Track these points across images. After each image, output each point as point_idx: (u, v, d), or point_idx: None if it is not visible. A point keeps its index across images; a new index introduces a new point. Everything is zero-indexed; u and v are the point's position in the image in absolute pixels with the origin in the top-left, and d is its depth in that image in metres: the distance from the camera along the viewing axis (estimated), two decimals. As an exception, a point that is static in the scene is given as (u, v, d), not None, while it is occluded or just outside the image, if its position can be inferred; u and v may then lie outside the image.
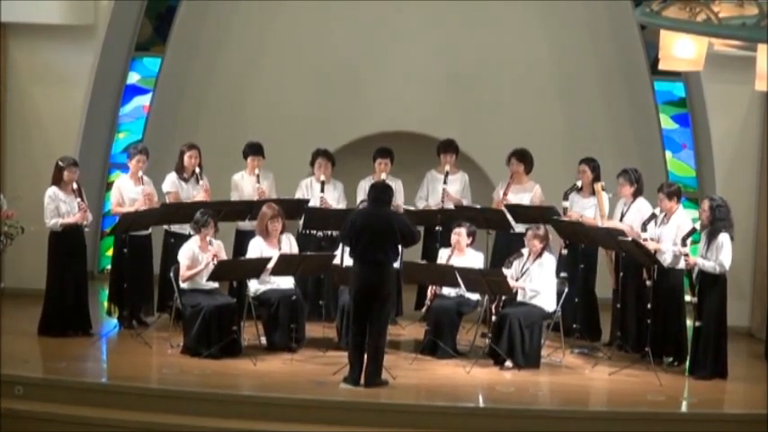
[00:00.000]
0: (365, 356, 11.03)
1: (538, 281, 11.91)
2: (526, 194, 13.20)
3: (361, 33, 15.08)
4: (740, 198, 13.34)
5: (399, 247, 11.24)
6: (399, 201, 13.42)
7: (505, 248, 12.75)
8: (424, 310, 12.49)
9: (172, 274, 12.07)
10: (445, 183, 13.48)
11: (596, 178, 12.82)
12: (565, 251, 12.49)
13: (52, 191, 12.26)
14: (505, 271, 12.04)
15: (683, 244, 11.57)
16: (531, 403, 11.00)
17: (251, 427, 10.51)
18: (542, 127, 14.98)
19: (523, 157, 13.26)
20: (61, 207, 12.23)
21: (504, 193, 13.19)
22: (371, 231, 10.95)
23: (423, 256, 13.31)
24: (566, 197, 12.86)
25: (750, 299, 13.69)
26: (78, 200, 12.24)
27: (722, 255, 11.44)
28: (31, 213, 12.91)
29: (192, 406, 10.75)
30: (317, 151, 13.43)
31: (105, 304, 13.01)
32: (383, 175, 13.32)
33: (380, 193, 11.17)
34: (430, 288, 12.34)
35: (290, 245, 12.28)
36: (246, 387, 11.14)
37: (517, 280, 11.95)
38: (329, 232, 13.12)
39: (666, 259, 11.84)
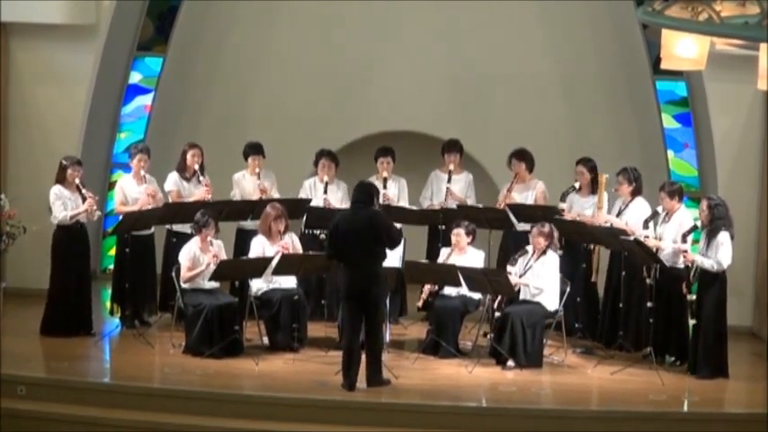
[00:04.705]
0: (360, 359, 11.01)
1: (541, 279, 11.92)
2: (530, 192, 13.22)
3: (364, 33, 15.07)
4: (742, 197, 13.35)
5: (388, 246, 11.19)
6: (404, 200, 13.44)
7: (513, 247, 12.73)
8: (419, 304, 12.48)
9: (174, 274, 12.08)
10: (449, 182, 13.49)
11: (596, 177, 12.83)
12: (560, 252, 12.47)
13: (57, 188, 12.32)
14: (510, 268, 12.06)
15: (683, 241, 11.59)
16: (533, 403, 11.01)
17: (253, 426, 10.52)
18: (545, 126, 14.97)
19: (523, 156, 13.27)
20: (67, 204, 12.28)
21: (508, 190, 13.20)
22: (355, 234, 10.92)
23: (426, 255, 13.32)
24: (563, 198, 12.87)
25: (751, 298, 13.68)
26: (85, 191, 12.27)
27: (720, 253, 11.44)
28: (33, 213, 12.92)
29: (194, 406, 10.76)
30: (321, 152, 13.42)
31: (108, 304, 13.02)
32: (386, 174, 13.34)
33: (361, 194, 11.08)
34: (428, 285, 12.33)
35: (292, 245, 12.28)
36: (248, 387, 11.15)
37: (520, 277, 11.96)
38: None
39: (666, 257, 11.83)
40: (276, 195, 13.15)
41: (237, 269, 12.15)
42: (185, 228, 12.50)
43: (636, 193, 12.51)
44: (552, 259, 12.01)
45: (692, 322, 11.84)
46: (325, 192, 13.25)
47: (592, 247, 12.73)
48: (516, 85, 15.05)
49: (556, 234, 12.15)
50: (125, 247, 12.58)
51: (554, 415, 10.80)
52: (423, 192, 13.71)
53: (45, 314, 12.43)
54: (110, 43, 14.04)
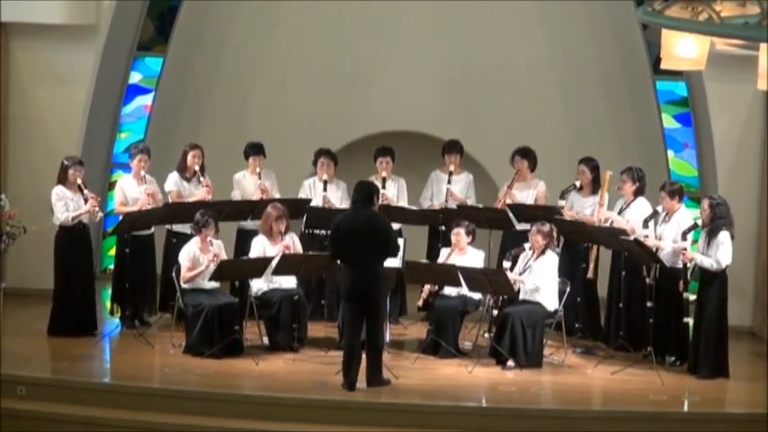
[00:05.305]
0: (360, 360, 11.02)
1: (538, 277, 11.92)
2: (530, 191, 13.23)
3: (364, 33, 15.07)
4: (742, 197, 13.35)
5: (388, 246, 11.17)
6: (403, 200, 13.43)
7: (512, 246, 12.71)
8: (419, 303, 12.49)
9: (174, 274, 12.08)
10: (449, 183, 13.49)
11: (597, 176, 12.84)
12: (558, 250, 12.47)
13: (59, 189, 12.32)
14: (505, 263, 12.06)
15: (683, 239, 11.60)
16: (533, 403, 11.01)
17: (253, 426, 10.52)
18: (545, 127, 14.97)
19: (526, 155, 13.29)
20: (69, 204, 12.28)
21: (509, 187, 13.20)
22: (356, 234, 10.92)
23: (426, 255, 13.32)
24: (563, 196, 12.88)
25: (752, 298, 13.68)
26: (87, 191, 12.28)
27: (720, 252, 11.45)
28: (34, 213, 12.92)
29: (194, 406, 10.76)
30: (320, 151, 13.43)
31: (108, 304, 13.03)
32: (385, 174, 13.35)
33: (360, 193, 11.07)
34: (427, 285, 12.33)
35: (293, 245, 12.29)
36: (248, 387, 11.15)
37: (519, 275, 11.96)
38: (332, 232, 13.13)
39: (666, 257, 11.83)
40: (277, 195, 13.15)
41: (238, 269, 12.15)
42: (185, 228, 12.49)
43: (638, 193, 12.51)
44: (551, 259, 12.01)
45: (688, 320, 11.83)
46: (325, 191, 13.25)
47: (590, 244, 12.73)
48: (516, 85, 15.05)
49: (555, 233, 12.16)
50: (125, 248, 12.58)
51: (554, 415, 10.80)
52: (423, 192, 13.71)
53: (52, 315, 12.43)
54: (110, 43, 14.05)
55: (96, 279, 13.29)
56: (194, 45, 15.10)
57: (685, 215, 12.04)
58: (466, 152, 13.88)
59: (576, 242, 12.75)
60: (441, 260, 12.40)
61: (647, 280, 11.84)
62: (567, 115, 15.12)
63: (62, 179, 12.36)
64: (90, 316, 12.48)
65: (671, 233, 11.91)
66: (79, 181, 12.31)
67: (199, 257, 11.97)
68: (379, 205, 11.61)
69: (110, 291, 12.97)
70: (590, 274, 12.74)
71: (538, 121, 15.01)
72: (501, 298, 12.01)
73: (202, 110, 15.20)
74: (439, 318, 12.15)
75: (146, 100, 15.07)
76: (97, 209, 12.37)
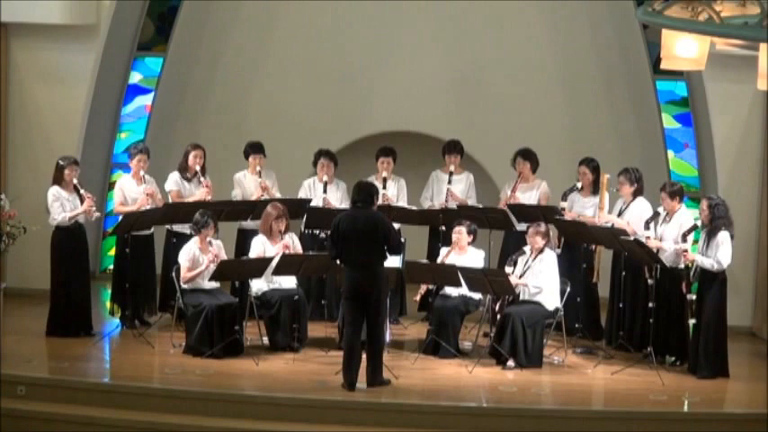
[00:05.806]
0: (360, 359, 11.02)
1: (539, 278, 11.92)
2: (533, 192, 13.23)
3: (365, 33, 15.07)
4: (742, 197, 13.35)
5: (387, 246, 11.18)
6: (403, 200, 13.44)
7: (513, 247, 12.73)
8: (416, 298, 12.50)
9: (174, 274, 12.08)
10: (449, 183, 13.49)
11: (598, 177, 12.84)
12: (558, 251, 12.47)
13: (55, 189, 12.32)
14: (507, 269, 12.07)
15: (684, 240, 11.60)
16: (533, 403, 11.00)
17: (253, 426, 10.52)
18: (545, 127, 14.97)
19: (528, 156, 13.28)
20: (66, 205, 12.28)
21: (513, 190, 13.20)
22: (356, 234, 10.93)
23: (427, 255, 13.31)
24: (564, 197, 12.88)
25: (752, 298, 13.68)
26: (83, 191, 12.28)
27: (720, 252, 11.45)
28: (34, 213, 12.90)
29: (194, 406, 10.76)
30: (320, 151, 13.43)
31: (108, 304, 13.03)
32: (385, 174, 13.35)
33: (360, 193, 11.08)
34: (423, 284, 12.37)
35: (293, 244, 12.29)
36: (248, 387, 11.15)
37: (520, 277, 11.96)
38: (332, 232, 13.14)
39: (668, 258, 11.84)
40: (277, 195, 13.16)
41: (238, 269, 12.14)
42: (185, 228, 12.49)
43: (637, 193, 12.52)
44: (550, 257, 12.01)
45: (691, 322, 11.85)
46: (325, 191, 13.25)
47: (593, 247, 12.72)
48: (517, 86, 15.05)
49: (554, 233, 12.14)
50: (125, 247, 12.58)
51: (554, 415, 10.79)
52: (423, 192, 13.71)
53: (50, 315, 12.43)
54: (110, 43, 14.05)
55: (96, 279, 13.29)
56: (194, 45, 15.10)
57: (686, 215, 12.04)
58: (466, 152, 13.88)
59: (576, 242, 12.74)
60: (440, 258, 12.41)
61: (649, 280, 11.84)
62: (567, 115, 15.12)
63: (58, 179, 12.35)
64: (85, 317, 12.46)
65: (672, 234, 11.91)
66: (75, 181, 12.31)
67: (199, 257, 11.97)
68: (379, 205, 11.60)
69: (110, 291, 12.97)
70: (595, 279, 12.71)
71: (538, 122, 15.01)
72: (504, 301, 12.01)
73: (202, 110, 15.20)
74: (439, 318, 12.15)
75: (146, 100, 15.07)
76: (94, 208, 12.37)
